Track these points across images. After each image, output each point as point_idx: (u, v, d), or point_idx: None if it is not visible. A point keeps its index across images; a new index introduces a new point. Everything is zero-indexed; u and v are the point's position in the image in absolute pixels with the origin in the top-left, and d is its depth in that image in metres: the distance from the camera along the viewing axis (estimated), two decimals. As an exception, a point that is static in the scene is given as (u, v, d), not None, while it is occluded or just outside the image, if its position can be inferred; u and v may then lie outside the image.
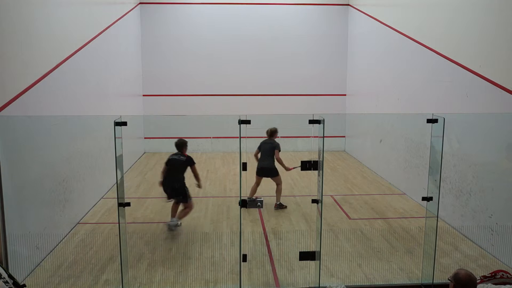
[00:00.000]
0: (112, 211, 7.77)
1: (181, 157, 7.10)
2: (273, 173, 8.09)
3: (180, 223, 7.07)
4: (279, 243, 6.51)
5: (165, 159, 7.17)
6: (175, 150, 7.24)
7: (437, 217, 4.97)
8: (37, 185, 5.86)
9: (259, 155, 8.21)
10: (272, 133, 8.13)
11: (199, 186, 7.22)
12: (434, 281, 5.02)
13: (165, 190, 7.10)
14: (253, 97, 13.97)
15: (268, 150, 8.04)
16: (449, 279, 3.41)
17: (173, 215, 7.06)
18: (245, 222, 7.32)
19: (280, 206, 8.06)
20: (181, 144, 7.26)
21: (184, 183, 7.05)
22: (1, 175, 4.70)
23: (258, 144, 8.24)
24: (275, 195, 8.14)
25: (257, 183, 8.21)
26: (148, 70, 13.67)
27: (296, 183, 9.72)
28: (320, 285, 4.92)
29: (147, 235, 6.79)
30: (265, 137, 8.18)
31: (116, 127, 4.46)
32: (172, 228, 6.93)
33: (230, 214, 7.81)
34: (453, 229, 6.92)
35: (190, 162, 7.08)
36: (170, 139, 13.69)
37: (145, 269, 5.61)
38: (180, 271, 5.57)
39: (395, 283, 5.29)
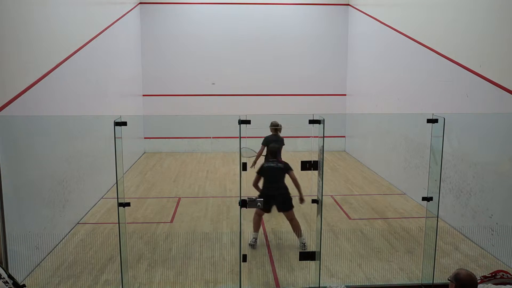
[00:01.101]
0: (112, 211, 7.77)
1: (279, 164, 6.52)
2: None
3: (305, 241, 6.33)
4: (279, 243, 6.51)
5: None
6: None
7: (437, 217, 4.97)
8: (37, 185, 5.86)
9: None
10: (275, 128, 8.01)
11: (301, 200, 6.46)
12: (434, 281, 5.02)
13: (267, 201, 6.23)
14: (253, 97, 13.96)
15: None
16: (449, 280, 3.40)
17: (256, 228, 6.37)
18: (245, 222, 7.30)
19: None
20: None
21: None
22: (1, 175, 4.70)
23: (258, 144, 8.21)
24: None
25: None
26: (148, 70, 13.67)
27: (296, 183, 9.71)
28: (320, 285, 4.92)
29: (147, 235, 6.78)
30: (264, 137, 8.13)
31: (116, 127, 4.46)
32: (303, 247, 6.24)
33: (230, 214, 7.80)
34: (453, 229, 6.92)
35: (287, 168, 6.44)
36: (170, 139, 13.83)
37: (145, 269, 5.61)
38: (180, 271, 5.57)
39: (395, 283, 5.28)
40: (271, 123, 8.15)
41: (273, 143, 7.92)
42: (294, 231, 6.33)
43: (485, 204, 6.19)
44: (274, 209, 6.46)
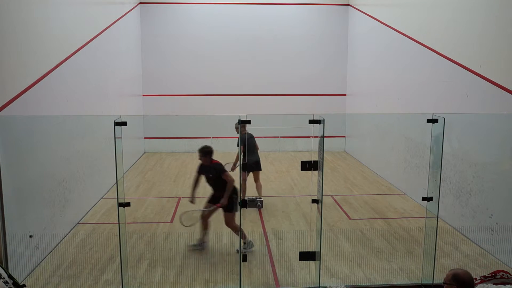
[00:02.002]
0: (112, 211, 7.77)
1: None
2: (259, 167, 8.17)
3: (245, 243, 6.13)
4: (279, 243, 6.51)
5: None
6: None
7: (437, 217, 4.97)
8: (37, 185, 5.86)
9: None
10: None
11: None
12: (434, 281, 5.02)
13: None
14: (253, 97, 13.97)
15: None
16: (445, 283, 3.35)
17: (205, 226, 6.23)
18: (245, 222, 7.31)
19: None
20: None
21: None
22: (1, 175, 4.70)
23: (259, 144, 8.15)
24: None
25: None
26: (148, 70, 13.67)
27: (296, 183, 9.72)
28: (320, 285, 4.92)
29: (147, 235, 6.79)
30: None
31: (116, 127, 4.46)
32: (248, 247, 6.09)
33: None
34: (453, 229, 6.92)
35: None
36: (170, 139, 13.83)
37: (145, 269, 5.61)
38: (180, 271, 5.57)
39: (395, 283, 5.28)
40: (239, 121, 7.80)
41: (251, 139, 7.81)
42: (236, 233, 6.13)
43: (485, 204, 6.19)
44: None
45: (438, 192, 4.90)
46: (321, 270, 4.97)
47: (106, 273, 5.48)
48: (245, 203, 5.04)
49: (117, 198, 4.61)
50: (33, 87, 5.86)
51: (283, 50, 13.98)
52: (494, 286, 4.00)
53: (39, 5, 6.21)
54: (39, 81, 6.07)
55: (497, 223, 5.96)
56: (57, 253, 6.10)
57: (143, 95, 13.75)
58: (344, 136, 14.13)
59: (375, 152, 11.34)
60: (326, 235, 6.68)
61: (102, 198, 8.64)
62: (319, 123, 4.63)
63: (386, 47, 10.53)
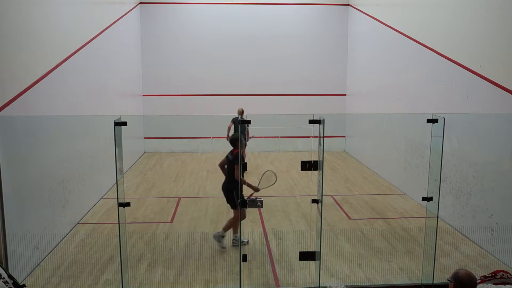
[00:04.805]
0: (112, 211, 7.77)
1: (229, 155, 6.27)
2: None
3: (223, 236, 6.22)
4: (279, 243, 6.51)
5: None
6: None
7: (437, 217, 4.97)
8: (37, 185, 5.86)
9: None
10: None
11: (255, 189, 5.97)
12: (434, 281, 5.02)
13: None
14: (253, 97, 13.97)
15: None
16: (448, 280, 3.40)
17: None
18: (245, 222, 7.31)
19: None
20: (232, 140, 6.42)
21: (234, 186, 6.18)
22: (1, 175, 4.70)
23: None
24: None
25: None
26: (148, 70, 13.68)
27: (296, 183, 9.72)
28: (320, 285, 4.92)
29: (147, 235, 6.79)
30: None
31: (116, 127, 4.46)
32: (218, 240, 6.19)
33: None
34: (453, 229, 6.92)
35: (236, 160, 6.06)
36: (170, 139, 13.84)
37: (145, 269, 5.61)
38: (180, 271, 5.57)
39: (395, 283, 5.29)
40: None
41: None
42: (231, 225, 6.29)
43: (485, 204, 6.19)
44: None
45: (438, 192, 4.90)
46: (321, 270, 4.97)
47: (106, 273, 5.48)
48: (245, 203, 5.04)
49: (117, 198, 4.61)
50: (33, 87, 5.86)
51: (283, 50, 13.98)
52: (494, 286, 4.00)
53: (39, 5, 6.21)
54: (39, 81, 6.07)
55: (497, 223, 5.96)
56: (57, 253, 6.10)
57: (143, 95, 13.75)
58: (344, 136, 14.14)
59: (375, 152, 11.34)
60: (326, 235, 6.68)
61: (102, 198, 8.64)
62: (319, 123, 4.63)
63: (386, 47, 10.53)
